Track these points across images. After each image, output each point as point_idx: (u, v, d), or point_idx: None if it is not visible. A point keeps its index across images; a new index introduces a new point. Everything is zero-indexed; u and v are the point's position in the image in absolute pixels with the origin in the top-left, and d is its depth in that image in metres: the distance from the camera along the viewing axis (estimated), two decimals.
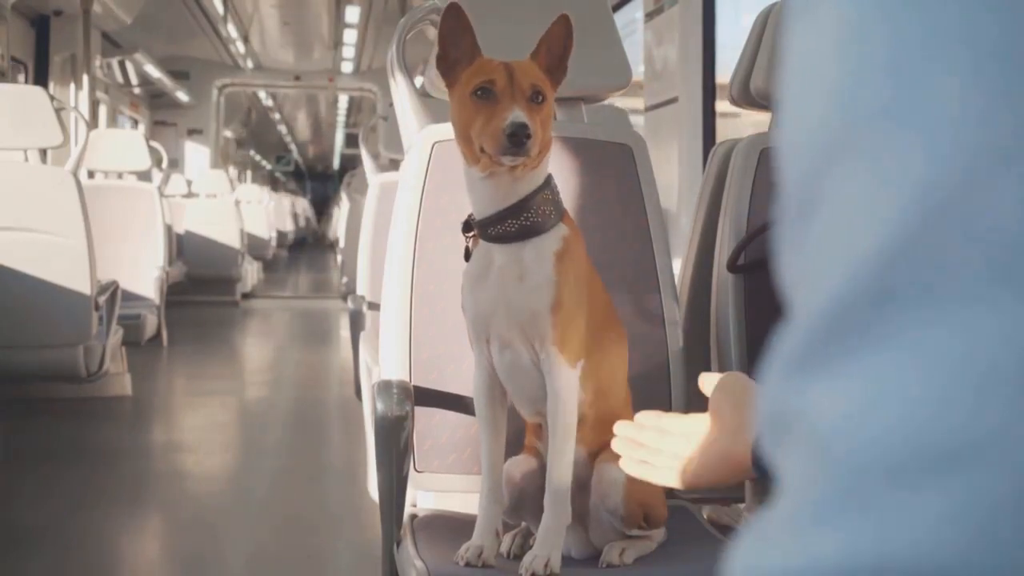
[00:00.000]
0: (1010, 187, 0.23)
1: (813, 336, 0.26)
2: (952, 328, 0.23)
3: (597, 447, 1.38)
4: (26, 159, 3.97)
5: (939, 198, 0.24)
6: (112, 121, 8.66)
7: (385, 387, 1.50)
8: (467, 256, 1.37)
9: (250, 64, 11.86)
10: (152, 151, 6.54)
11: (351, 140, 19.49)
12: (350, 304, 3.78)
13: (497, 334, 1.34)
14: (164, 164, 7.01)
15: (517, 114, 1.22)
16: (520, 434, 1.47)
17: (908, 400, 0.24)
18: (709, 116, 3.84)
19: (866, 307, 0.25)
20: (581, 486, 1.37)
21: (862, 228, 0.25)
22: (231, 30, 10.36)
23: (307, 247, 21.58)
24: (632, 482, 1.34)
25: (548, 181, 1.34)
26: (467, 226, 1.36)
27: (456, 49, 1.32)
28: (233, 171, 13.97)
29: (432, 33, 1.79)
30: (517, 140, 1.21)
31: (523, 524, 1.45)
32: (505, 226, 1.31)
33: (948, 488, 0.23)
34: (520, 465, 1.42)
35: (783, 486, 0.27)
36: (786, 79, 0.28)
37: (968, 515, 0.23)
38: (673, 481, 1.08)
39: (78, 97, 6.63)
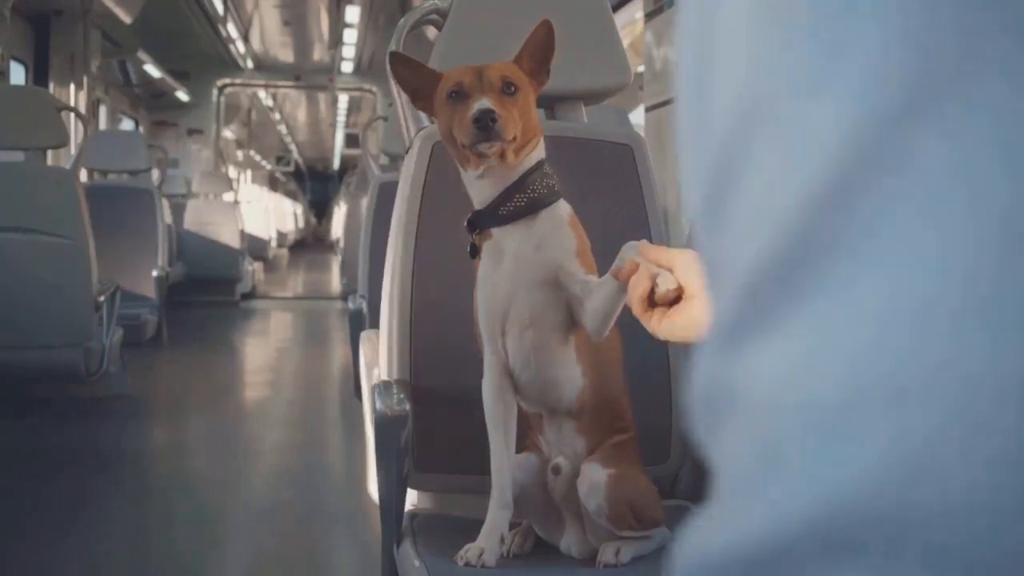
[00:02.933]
0: (935, 130, 0.23)
1: (741, 305, 0.26)
2: (884, 271, 0.24)
3: (597, 439, 1.39)
4: (26, 159, 3.97)
5: (862, 145, 0.24)
6: (112, 121, 8.65)
7: (385, 387, 1.50)
8: (474, 252, 1.38)
9: (250, 64, 11.86)
10: (153, 151, 6.55)
11: (351, 140, 19.48)
12: (350, 304, 3.78)
13: (516, 318, 1.35)
14: (164, 164, 7.02)
15: (482, 102, 1.28)
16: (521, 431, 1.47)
17: (841, 349, 0.24)
18: None
19: (793, 265, 0.25)
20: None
21: (784, 186, 0.25)
22: (231, 30, 10.36)
23: (307, 247, 21.59)
24: (616, 482, 1.35)
25: (543, 163, 1.38)
26: (471, 224, 1.37)
27: (419, 85, 1.37)
28: (233, 172, 13.96)
29: (432, 33, 1.80)
30: (483, 124, 1.27)
31: (524, 522, 1.46)
32: (514, 202, 1.34)
33: (884, 432, 0.23)
34: (521, 463, 1.42)
35: (719, 470, 0.27)
36: (693, 55, 0.29)
37: (906, 456, 0.23)
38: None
39: (78, 97, 6.63)
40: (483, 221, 1.36)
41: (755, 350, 0.26)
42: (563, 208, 1.38)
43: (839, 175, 0.24)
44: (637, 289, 1.10)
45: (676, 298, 1.09)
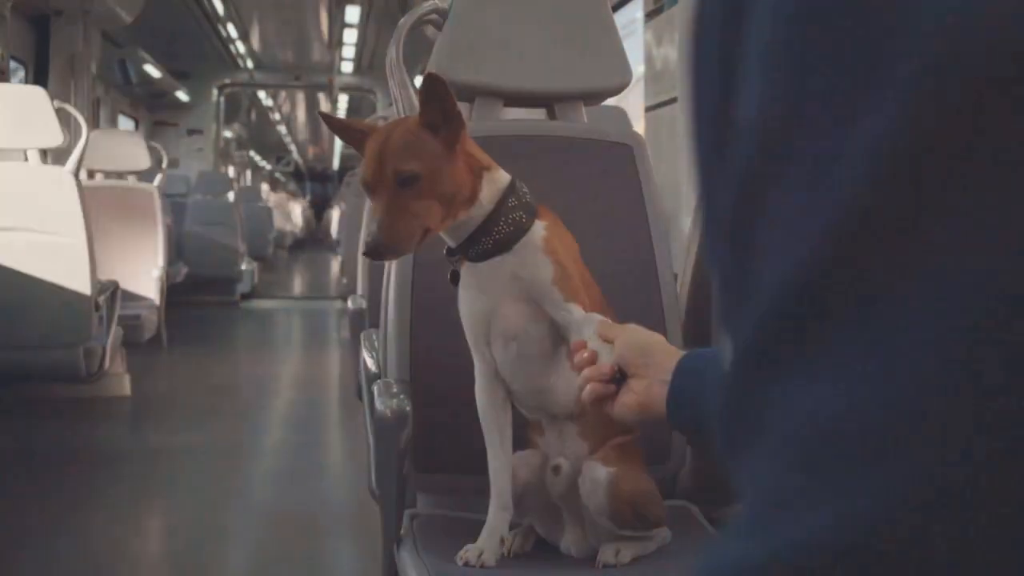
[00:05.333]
0: (969, 164, 0.23)
1: (771, 331, 0.26)
2: (918, 302, 0.24)
3: (599, 442, 1.39)
4: (26, 159, 3.97)
5: (894, 178, 0.24)
6: (112, 121, 8.65)
7: (385, 387, 1.50)
8: (454, 278, 1.37)
9: (250, 64, 11.86)
10: (152, 151, 6.55)
11: None
12: (350, 304, 3.78)
13: (500, 330, 1.35)
14: (164, 164, 7.02)
15: (370, 231, 1.22)
16: (522, 431, 1.47)
17: (875, 379, 0.24)
18: None
19: (825, 294, 0.25)
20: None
21: (814, 216, 0.25)
22: (231, 30, 10.36)
23: (307, 247, 21.61)
24: (618, 482, 1.35)
25: (511, 188, 1.33)
26: (450, 250, 1.36)
27: (351, 140, 1.32)
28: (232, 172, 13.97)
29: (432, 32, 1.80)
30: (372, 256, 1.23)
31: (525, 522, 1.45)
32: (481, 245, 1.32)
33: (917, 461, 0.23)
34: (523, 461, 1.42)
35: (746, 489, 0.27)
36: (717, 75, 0.28)
37: (941, 485, 0.23)
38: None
39: (78, 97, 6.63)
40: (459, 252, 1.35)
41: (788, 376, 0.26)
42: (536, 235, 1.33)
43: (871, 205, 0.24)
44: (593, 394, 1.14)
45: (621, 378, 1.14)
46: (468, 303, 1.37)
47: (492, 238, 1.31)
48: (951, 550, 0.22)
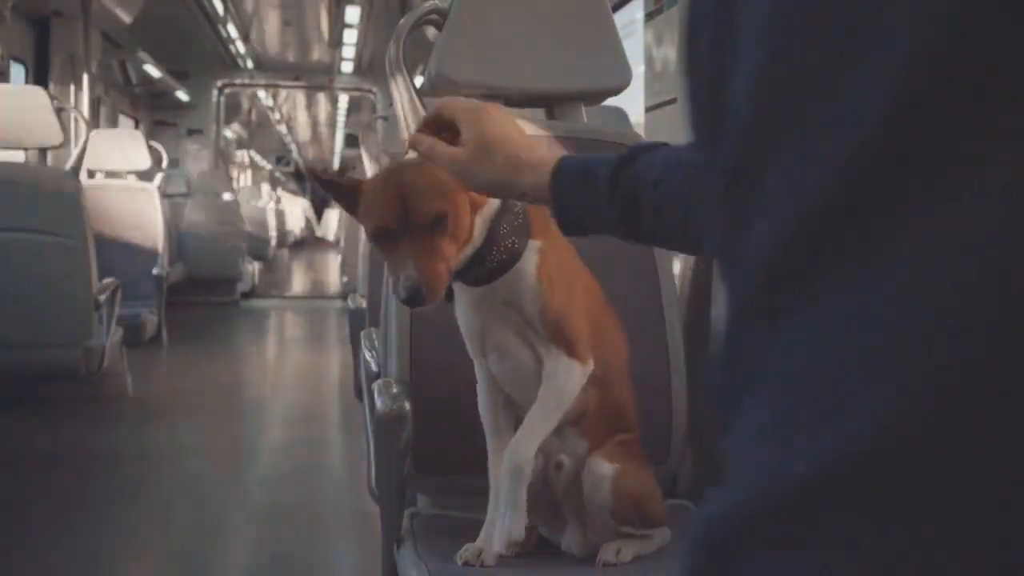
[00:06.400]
0: (969, 129, 0.23)
1: (772, 281, 0.27)
2: (917, 252, 0.24)
3: (599, 440, 1.39)
4: (26, 159, 3.98)
5: (888, 144, 0.24)
6: (112, 121, 8.66)
7: (385, 387, 1.50)
8: (449, 296, 1.37)
9: (250, 64, 11.86)
10: (152, 151, 6.55)
11: (351, 140, 19.46)
12: (350, 304, 3.78)
13: (495, 344, 1.36)
14: (164, 164, 7.02)
15: (408, 276, 1.19)
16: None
17: (866, 321, 0.25)
18: None
19: (816, 253, 0.25)
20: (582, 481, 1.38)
21: (808, 180, 0.25)
22: (231, 30, 10.36)
23: (307, 246, 21.61)
24: (622, 477, 1.35)
25: (502, 210, 1.32)
26: None
27: (339, 194, 1.29)
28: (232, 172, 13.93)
29: (432, 33, 1.80)
30: (413, 304, 1.21)
31: (527, 521, 1.45)
32: (476, 272, 1.31)
33: (904, 390, 0.24)
34: None
35: (740, 431, 0.28)
36: (709, 46, 0.29)
37: (926, 410, 0.24)
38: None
39: (78, 97, 6.63)
40: (455, 276, 1.33)
41: (787, 318, 0.26)
42: (528, 262, 1.32)
43: (865, 170, 0.24)
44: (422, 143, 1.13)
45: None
46: (463, 318, 1.38)
47: (486, 267, 1.31)
48: (950, 467, 0.23)
